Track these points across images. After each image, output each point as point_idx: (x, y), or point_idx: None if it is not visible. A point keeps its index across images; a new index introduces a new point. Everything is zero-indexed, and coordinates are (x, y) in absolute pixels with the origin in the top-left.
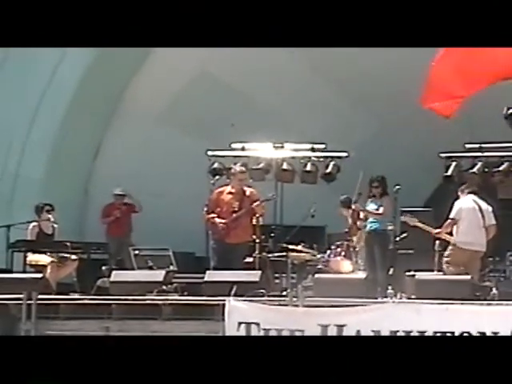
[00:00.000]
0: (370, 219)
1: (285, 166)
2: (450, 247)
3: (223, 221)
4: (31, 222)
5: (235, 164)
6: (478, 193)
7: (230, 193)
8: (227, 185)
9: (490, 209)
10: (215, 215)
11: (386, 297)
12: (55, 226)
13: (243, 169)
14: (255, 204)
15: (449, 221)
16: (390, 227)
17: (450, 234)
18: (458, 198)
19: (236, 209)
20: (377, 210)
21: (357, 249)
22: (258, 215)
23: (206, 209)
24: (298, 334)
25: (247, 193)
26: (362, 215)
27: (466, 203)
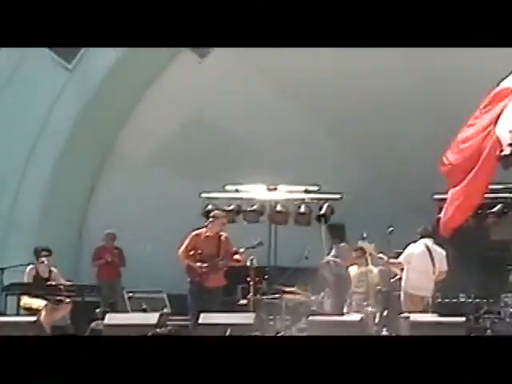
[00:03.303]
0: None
1: (279, 208)
2: (401, 292)
3: (205, 265)
4: (26, 264)
5: (214, 207)
6: (431, 236)
7: (207, 237)
8: (202, 228)
9: (444, 253)
10: (193, 259)
11: None
12: (54, 269)
13: (223, 213)
14: (241, 251)
15: (396, 261)
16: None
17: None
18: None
19: (214, 253)
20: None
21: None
22: (238, 261)
23: (182, 250)
24: None
25: (222, 237)
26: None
27: (417, 249)
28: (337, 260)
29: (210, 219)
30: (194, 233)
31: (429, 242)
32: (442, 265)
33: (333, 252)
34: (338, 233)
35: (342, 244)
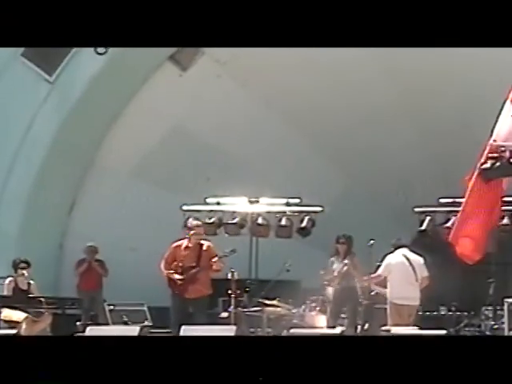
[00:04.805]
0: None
1: (260, 221)
2: (387, 304)
3: (181, 277)
4: (5, 277)
5: (191, 218)
6: (406, 246)
7: (187, 247)
8: (183, 239)
9: (422, 261)
10: (173, 270)
11: None
12: (31, 282)
13: (199, 222)
14: (214, 260)
15: (376, 275)
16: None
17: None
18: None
19: (194, 264)
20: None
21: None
22: (216, 270)
23: (163, 263)
24: None
25: (204, 247)
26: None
27: (395, 259)
28: (349, 270)
29: (189, 231)
30: (173, 245)
31: (405, 251)
32: (423, 271)
33: (342, 263)
34: (352, 245)
35: (355, 257)
